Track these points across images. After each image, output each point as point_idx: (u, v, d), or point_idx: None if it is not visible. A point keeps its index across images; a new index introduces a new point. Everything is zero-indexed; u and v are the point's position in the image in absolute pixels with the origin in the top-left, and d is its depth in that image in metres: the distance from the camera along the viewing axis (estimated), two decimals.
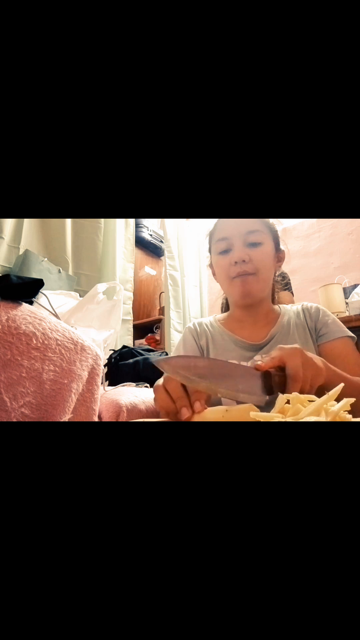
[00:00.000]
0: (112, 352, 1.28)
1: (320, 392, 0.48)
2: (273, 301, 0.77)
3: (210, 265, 0.76)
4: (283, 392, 0.41)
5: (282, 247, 0.72)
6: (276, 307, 0.76)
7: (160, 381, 0.47)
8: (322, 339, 0.67)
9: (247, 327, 0.72)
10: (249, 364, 0.66)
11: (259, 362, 0.41)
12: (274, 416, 0.33)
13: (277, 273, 0.75)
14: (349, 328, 0.70)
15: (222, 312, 0.86)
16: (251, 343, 0.69)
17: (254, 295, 0.67)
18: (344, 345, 0.66)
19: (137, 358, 1.22)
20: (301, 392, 0.38)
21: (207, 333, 0.75)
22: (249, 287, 0.66)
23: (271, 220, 0.70)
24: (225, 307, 0.84)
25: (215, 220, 0.73)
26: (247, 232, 0.65)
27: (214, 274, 0.76)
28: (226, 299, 0.83)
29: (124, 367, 1.20)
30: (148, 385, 1.00)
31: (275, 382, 0.41)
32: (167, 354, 1.27)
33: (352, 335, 0.67)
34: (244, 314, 0.72)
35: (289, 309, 0.74)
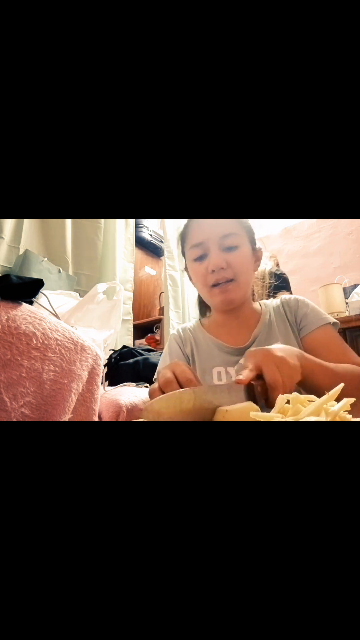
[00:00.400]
0: (112, 352, 1.28)
1: (307, 386, 0.48)
2: (253, 299, 0.75)
3: (186, 269, 0.73)
4: (267, 399, 0.41)
5: (258, 245, 0.69)
6: (257, 304, 0.74)
7: (155, 385, 0.47)
8: (303, 332, 0.66)
9: (231, 330, 0.70)
10: (235, 368, 0.65)
11: (240, 377, 0.41)
12: (274, 416, 0.33)
13: (256, 271, 0.73)
14: (349, 328, 0.70)
15: (199, 310, 0.84)
16: (235, 347, 0.68)
17: (235, 302, 0.66)
18: (324, 334, 0.65)
19: (137, 358, 1.23)
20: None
21: (191, 339, 0.73)
22: (231, 296, 0.64)
23: (244, 219, 0.67)
24: (201, 306, 0.82)
25: (185, 221, 0.69)
26: (222, 236, 0.62)
27: (190, 279, 0.73)
28: (203, 304, 0.81)
29: (124, 367, 1.20)
30: (148, 385, 1.00)
31: (258, 392, 0.41)
32: None
33: (333, 320, 0.66)
34: (226, 318, 0.71)
35: (269, 305, 0.72)
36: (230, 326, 0.71)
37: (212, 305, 0.71)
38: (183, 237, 0.69)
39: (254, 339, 0.67)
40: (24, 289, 0.61)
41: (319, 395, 0.33)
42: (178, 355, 0.72)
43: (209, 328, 0.74)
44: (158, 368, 0.76)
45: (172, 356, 0.73)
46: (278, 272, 1.77)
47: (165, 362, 0.73)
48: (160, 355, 1.30)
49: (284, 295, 0.74)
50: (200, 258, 0.64)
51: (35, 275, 1.13)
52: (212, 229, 0.62)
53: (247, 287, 0.68)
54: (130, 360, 1.21)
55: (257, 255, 0.70)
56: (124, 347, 1.32)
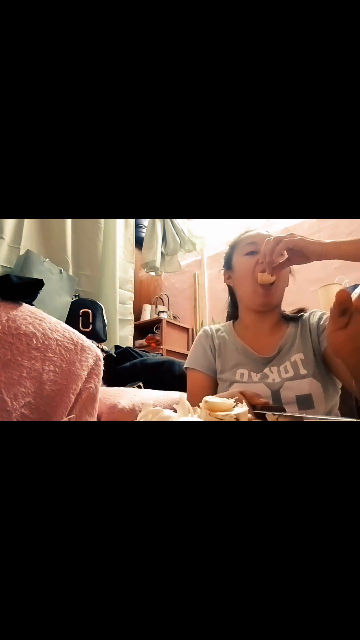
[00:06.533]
0: (113, 353, 1.28)
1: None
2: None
3: (228, 270, 0.79)
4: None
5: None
6: (285, 314, 0.77)
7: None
8: (322, 345, 0.68)
9: (259, 335, 0.74)
10: (258, 375, 0.68)
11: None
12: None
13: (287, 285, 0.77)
14: None
15: (226, 316, 0.87)
16: (262, 356, 0.71)
17: (272, 304, 0.71)
18: None
19: (135, 361, 1.22)
20: None
21: (221, 337, 0.78)
22: (269, 299, 0.70)
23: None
24: (232, 316, 0.84)
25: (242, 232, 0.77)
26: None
27: (227, 278, 0.80)
28: (232, 308, 0.83)
29: (121, 370, 1.20)
30: (141, 384, 1.01)
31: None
32: (162, 355, 1.28)
33: None
34: (257, 320, 0.74)
35: (296, 318, 0.75)
36: (258, 330, 0.75)
37: (251, 303, 0.74)
38: (236, 242, 0.77)
39: (279, 349, 0.70)
40: (24, 289, 0.61)
41: None
42: (205, 350, 0.76)
43: (239, 331, 0.78)
44: (187, 364, 0.79)
45: (199, 351, 0.76)
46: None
47: (193, 357, 0.78)
48: (158, 356, 1.30)
49: (313, 310, 0.76)
50: (252, 252, 0.71)
51: (36, 275, 1.13)
52: (265, 236, 0.71)
53: (282, 293, 0.73)
54: (128, 364, 1.21)
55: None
56: (118, 347, 1.31)
